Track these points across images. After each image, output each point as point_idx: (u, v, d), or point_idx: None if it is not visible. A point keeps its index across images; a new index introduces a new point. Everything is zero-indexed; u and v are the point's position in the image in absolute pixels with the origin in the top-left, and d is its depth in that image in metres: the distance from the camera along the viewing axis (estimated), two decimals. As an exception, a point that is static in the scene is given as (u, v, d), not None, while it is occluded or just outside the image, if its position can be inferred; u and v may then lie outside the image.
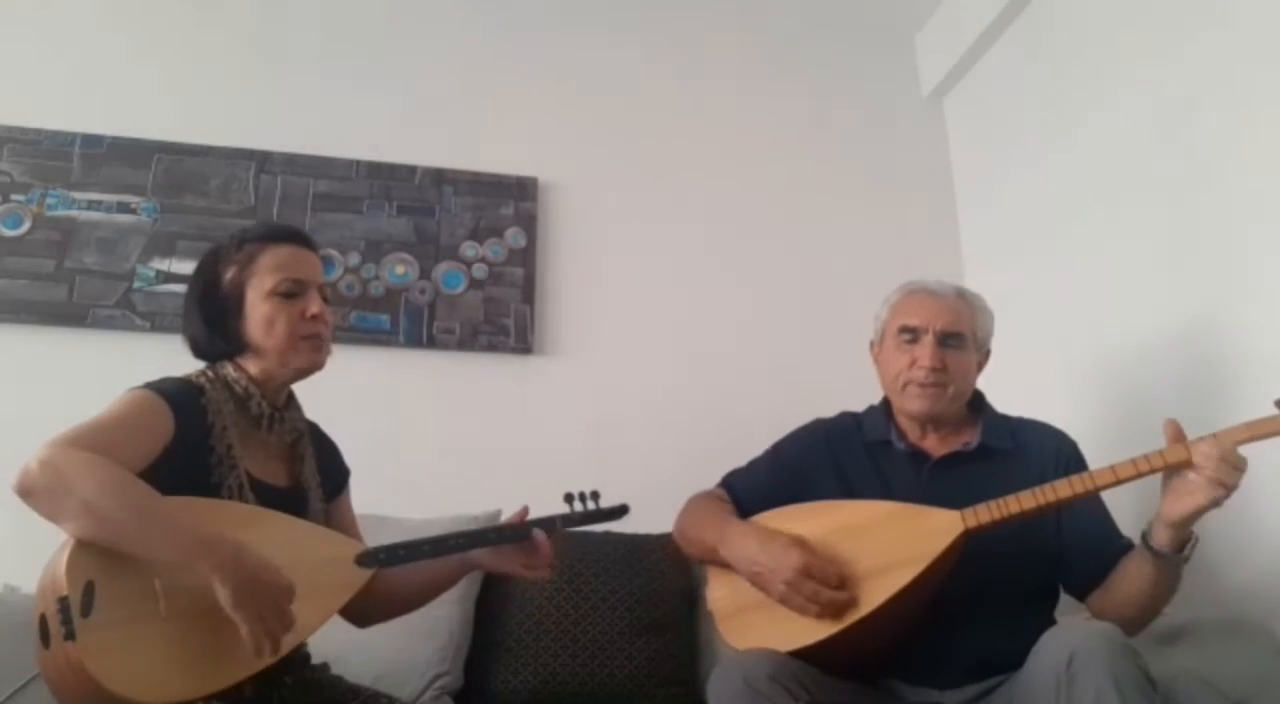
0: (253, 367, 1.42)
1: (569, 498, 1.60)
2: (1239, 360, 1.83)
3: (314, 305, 1.43)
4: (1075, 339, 2.34)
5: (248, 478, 1.36)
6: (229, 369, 1.42)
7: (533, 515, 1.57)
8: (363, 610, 1.52)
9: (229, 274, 1.42)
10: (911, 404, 1.62)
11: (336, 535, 1.45)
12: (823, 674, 1.37)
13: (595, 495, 1.63)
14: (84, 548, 1.14)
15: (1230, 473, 1.28)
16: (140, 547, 1.16)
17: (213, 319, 1.42)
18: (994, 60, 2.80)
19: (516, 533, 1.52)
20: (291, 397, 1.50)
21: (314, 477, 1.49)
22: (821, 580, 1.40)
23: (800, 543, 1.45)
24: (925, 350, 1.61)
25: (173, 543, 1.16)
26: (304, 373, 1.45)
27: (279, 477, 1.44)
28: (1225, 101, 1.94)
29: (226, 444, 1.34)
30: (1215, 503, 1.30)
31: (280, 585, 1.19)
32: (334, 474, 1.58)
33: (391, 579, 1.50)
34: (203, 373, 1.41)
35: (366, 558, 1.40)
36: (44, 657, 1.13)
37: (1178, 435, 1.34)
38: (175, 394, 1.32)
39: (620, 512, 1.67)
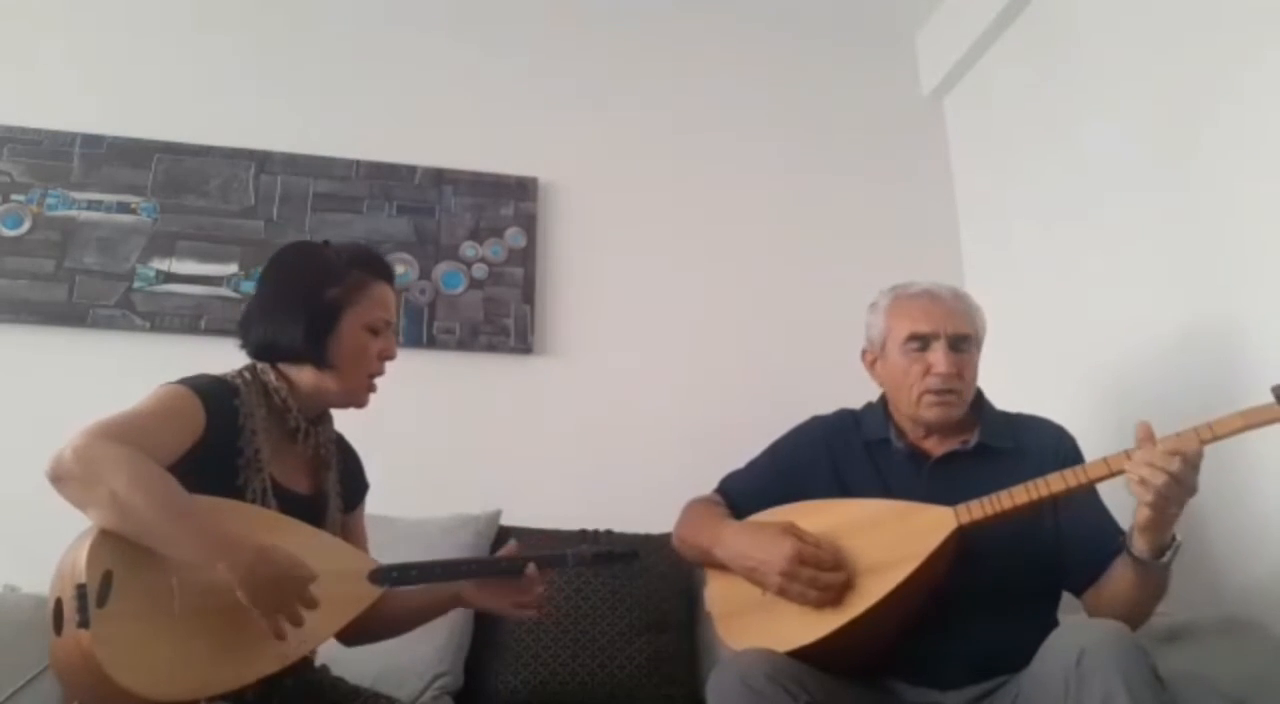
0: (310, 380, 1.42)
1: (584, 535, 1.60)
2: (1240, 361, 1.83)
3: (393, 348, 1.48)
4: (1075, 339, 2.34)
5: (271, 483, 1.36)
6: (271, 376, 1.41)
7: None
8: (355, 629, 1.50)
9: (332, 292, 1.43)
10: (928, 413, 1.58)
11: (352, 549, 1.45)
12: (821, 674, 1.36)
13: (609, 534, 1.62)
14: (106, 538, 1.15)
15: (1155, 475, 1.25)
16: (163, 543, 1.17)
17: (315, 326, 1.41)
18: (994, 60, 2.80)
19: (525, 565, 1.51)
20: (326, 411, 1.51)
21: (335, 486, 1.50)
22: (816, 565, 1.40)
23: (791, 530, 1.45)
24: (940, 357, 1.56)
25: (195, 542, 1.17)
26: (351, 405, 1.48)
27: (302, 484, 1.45)
28: (1225, 101, 1.94)
29: (255, 448, 1.35)
30: (1161, 512, 1.28)
31: (300, 577, 1.21)
32: (354, 486, 1.58)
33: (390, 600, 1.50)
34: (239, 374, 1.41)
35: (379, 575, 1.40)
36: (54, 644, 1.14)
37: (1145, 437, 1.31)
38: (210, 392, 1.33)
39: (630, 557, 1.67)
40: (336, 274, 1.44)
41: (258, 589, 1.17)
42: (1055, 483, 1.37)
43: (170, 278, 2.41)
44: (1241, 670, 1.44)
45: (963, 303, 1.66)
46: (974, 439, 1.60)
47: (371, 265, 1.49)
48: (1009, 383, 2.32)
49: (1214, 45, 1.97)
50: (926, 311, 1.62)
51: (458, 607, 1.56)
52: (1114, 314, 2.21)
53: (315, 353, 1.41)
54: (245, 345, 1.46)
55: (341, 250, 1.49)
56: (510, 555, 1.54)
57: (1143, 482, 1.27)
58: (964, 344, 1.60)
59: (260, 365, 1.43)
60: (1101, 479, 1.37)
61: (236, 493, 1.31)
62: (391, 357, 1.48)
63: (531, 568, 1.51)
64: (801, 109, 2.98)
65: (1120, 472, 1.33)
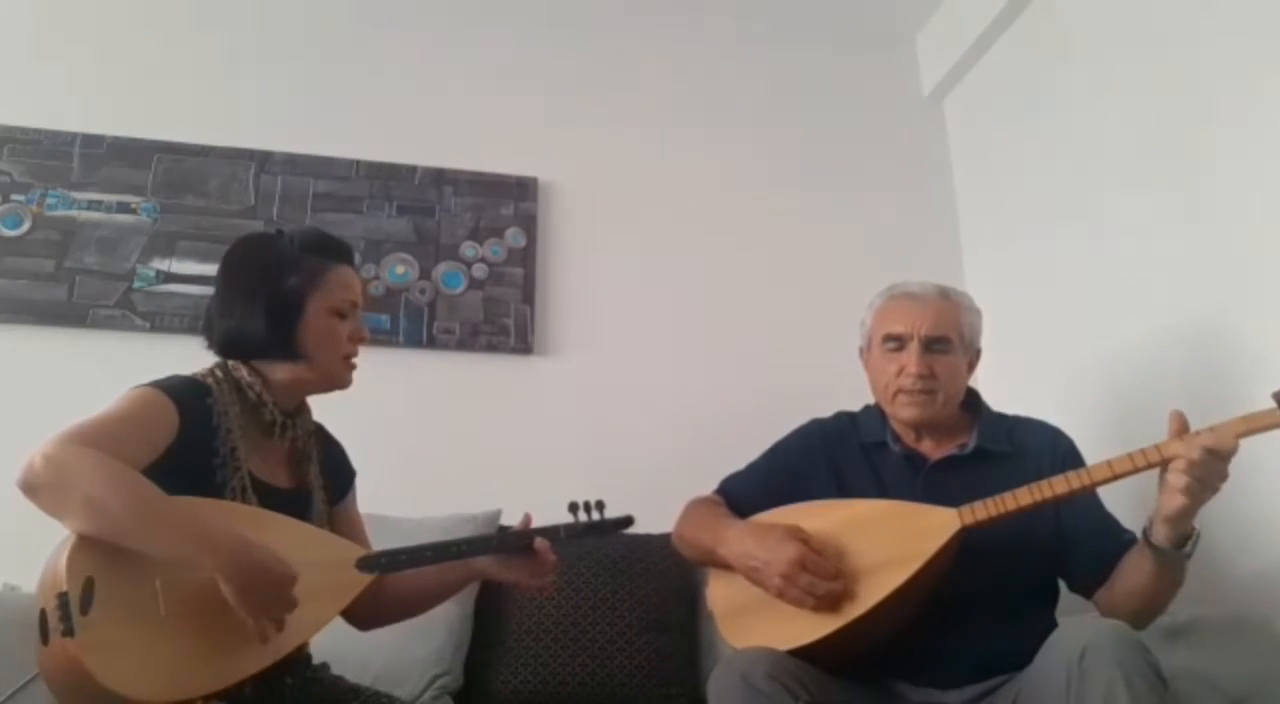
0: (284, 372, 1.42)
1: (573, 507, 1.58)
2: (1240, 361, 1.83)
3: (363, 329, 1.48)
4: (1075, 340, 2.34)
5: (250, 479, 1.36)
6: (243, 371, 1.40)
7: (534, 519, 1.56)
8: (367, 614, 1.52)
9: (292, 281, 1.42)
10: (902, 412, 1.61)
11: (338, 539, 1.44)
12: (822, 674, 1.36)
13: (600, 505, 1.60)
14: (85, 544, 1.14)
15: (1210, 470, 1.26)
16: (141, 543, 1.16)
17: (277, 318, 1.40)
18: (994, 60, 2.80)
19: (520, 541, 1.50)
20: (303, 402, 1.50)
21: (318, 478, 1.49)
22: (816, 573, 1.40)
23: (797, 534, 1.45)
24: (911, 358, 1.59)
25: (173, 540, 1.16)
26: (334, 389, 1.47)
27: (282, 478, 1.44)
28: (1225, 101, 1.94)
29: (231, 446, 1.34)
30: (1198, 500, 1.28)
31: (283, 575, 1.20)
32: (340, 476, 1.57)
33: (397, 584, 1.50)
34: (210, 372, 1.40)
35: (367, 562, 1.40)
36: (43, 653, 1.13)
37: (1179, 429, 1.32)
38: (181, 393, 1.32)
39: (625, 523, 1.64)
40: (293, 262, 1.43)
41: (242, 581, 1.16)
42: (1059, 485, 1.37)
43: (170, 278, 2.41)
44: (1243, 668, 1.44)
45: (949, 303, 1.66)
46: (971, 443, 1.60)
47: (328, 249, 1.48)
48: (1008, 381, 2.33)
49: (1213, 46, 1.97)
50: (903, 312, 1.64)
51: (476, 579, 1.58)
52: (1113, 314, 2.21)
53: (284, 344, 1.40)
54: (210, 345, 1.45)
55: (294, 237, 1.47)
56: (503, 532, 1.56)
57: (1196, 466, 1.26)
58: (939, 345, 1.61)
59: (231, 362, 1.42)
60: (1104, 482, 1.37)
61: (215, 492, 1.31)
62: (363, 338, 1.48)
63: (538, 539, 1.50)
64: (802, 110, 2.98)
65: (1124, 474, 1.33)
